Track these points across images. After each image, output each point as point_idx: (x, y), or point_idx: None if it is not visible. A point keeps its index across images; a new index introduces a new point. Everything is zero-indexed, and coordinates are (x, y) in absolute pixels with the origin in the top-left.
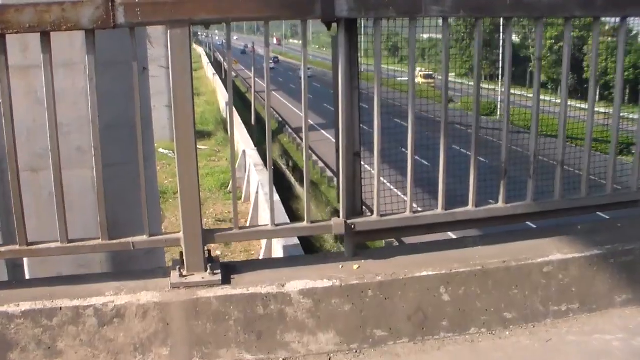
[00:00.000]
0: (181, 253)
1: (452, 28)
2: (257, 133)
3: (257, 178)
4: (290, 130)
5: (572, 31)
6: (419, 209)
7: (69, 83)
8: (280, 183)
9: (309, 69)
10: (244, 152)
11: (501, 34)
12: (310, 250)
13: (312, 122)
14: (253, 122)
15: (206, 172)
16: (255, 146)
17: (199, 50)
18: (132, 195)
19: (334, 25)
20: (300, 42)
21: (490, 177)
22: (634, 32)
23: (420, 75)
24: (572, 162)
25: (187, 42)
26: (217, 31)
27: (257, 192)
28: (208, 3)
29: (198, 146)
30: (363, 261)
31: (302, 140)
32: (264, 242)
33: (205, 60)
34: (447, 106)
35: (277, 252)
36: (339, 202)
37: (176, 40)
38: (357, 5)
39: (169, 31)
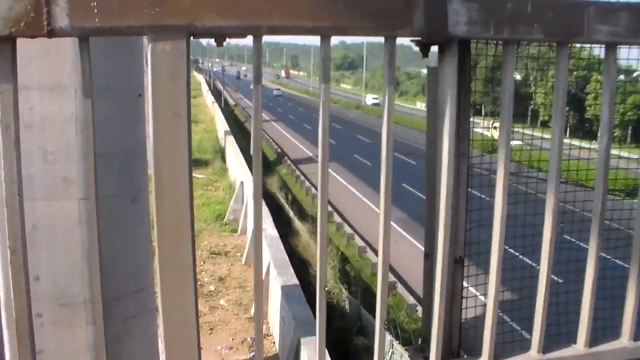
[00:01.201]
0: None
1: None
2: None
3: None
4: (289, 162)
5: (575, 70)
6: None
7: (56, 108)
8: (278, 216)
9: (278, 89)
10: (241, 183)
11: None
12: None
13: (311, 154)
14: (252, 151)
15: (202, 202)
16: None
17: (199, 77)
18: (121, 230)
19: (433, 49)
20: (302, 73)
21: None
22: (637, 73)
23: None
24: None
25: (182, 66)
26: (217, 59)
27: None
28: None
29: (195, 174)
30: None
31: (300, 172)
32: None
33: (205, 87)
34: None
35: (275, 291)
36: (426, 335)
37: (163, 60)
38: (484, 17)
39: (150, 45)
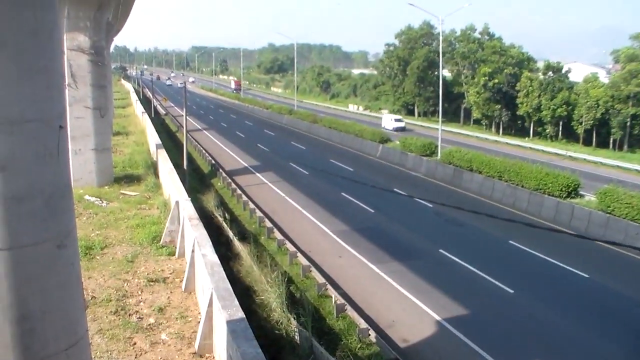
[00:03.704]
0: None
1: (384, 63)
2: (190, 178)
3: (192, 234)
4: (224, 174)
5: (506, 68)
6: None
7: None
8: (217, 236)
9: (168, 78)
10: (177, 202)
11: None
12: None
13: (246, 164)
14: (185, 165)
15: (136, 223)
16: (189, 196)
17: (127, 86)
18: (46, 282)
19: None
20: (229, 77)
21: None
22: (565, 70)
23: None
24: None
25: None
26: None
27: (192, 251)
28: None
29: (127, 192)
30: None
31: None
32: (203, 309)
33: (134, 97)
34: None
35: (220, 325)
36: None
37: None
38: None
39: None
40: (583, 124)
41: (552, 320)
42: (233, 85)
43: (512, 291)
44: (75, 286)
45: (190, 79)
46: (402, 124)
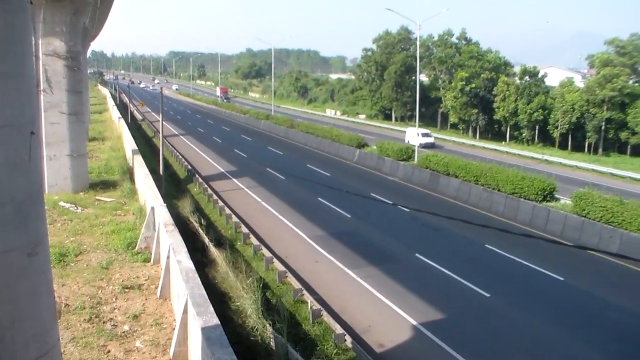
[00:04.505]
0: None
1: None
2: (166, 183)
3: (167, 240)
4: (200, 180)
5: (483, 72)
6: None
7: None
8: (193, 242)
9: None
10: (152, 209)
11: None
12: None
13: (223, 170)
14: (161, 171)
15: (112, 229)
16: (165, 202)
17: (104, 91)
18: (16, 290)
19: None
20: (207, 82)
21: None
22: (541, 75)
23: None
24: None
25: None
26: (122, 71)
27: (168, 257)
28: None
29: (103, 198)
30: None
31: (213, 191)
32: (178, 315)
33: (110, 102)
34: None
35: (195, 332)
36: None
37: None
38: None
39: None
40: (559, 128)
41: (528, 324)
42: (219, 93)
43: (488, 295)
44: (47, 294)
45: (174, 87)
46: (430, 139)
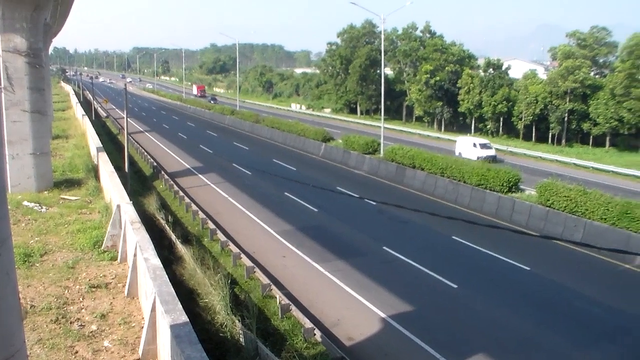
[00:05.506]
0: None
1: (326, 62)
2: (131, 180)
3: (134, 238)
4: (166, 177)
5: (447, 65)
6: None
7: None
8: (160, 240)
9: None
10: (118, 206)
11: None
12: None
13: (189, 166)
14: (127, 168)
15: (77, 228)
16: (131, 199)
17: (67, 88)
18: None
19: None
20: (171, 78)
21: None
22: (505, 67)
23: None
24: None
25: None
26: (85, 68)
27: (135, 255)
28: None
29: (67, 197)
30: None
31: (179, 187)
32: (147, 314)
33: (74, 99)
34: None
35: (163, 330)
36: None
37: None
38: None
39: None
40: (523, 119)
41: (495, 313)
42: (195, 91)
43: (455, 286)
44: (11, 296)
45: (148, 85)
46: (492, 152)
